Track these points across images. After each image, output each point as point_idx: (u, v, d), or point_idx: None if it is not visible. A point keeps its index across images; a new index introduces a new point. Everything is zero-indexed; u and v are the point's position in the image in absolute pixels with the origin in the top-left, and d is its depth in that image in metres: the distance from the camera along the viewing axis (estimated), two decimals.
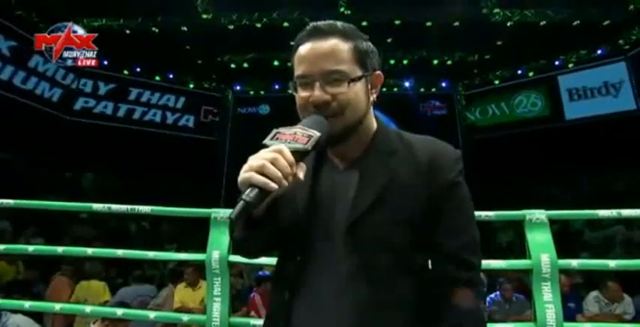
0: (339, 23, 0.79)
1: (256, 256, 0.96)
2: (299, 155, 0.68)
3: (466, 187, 0.78)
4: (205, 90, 10.48)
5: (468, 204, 0.78)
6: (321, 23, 0.79)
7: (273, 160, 0.64)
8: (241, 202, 0.63)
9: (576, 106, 8.06)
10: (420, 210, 0.73)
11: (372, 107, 0.84)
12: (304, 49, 0.78)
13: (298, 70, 0.78)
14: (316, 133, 0.69)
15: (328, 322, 0.73)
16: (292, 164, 0.66)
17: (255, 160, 0.65)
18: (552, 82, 8.48)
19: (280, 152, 0.65)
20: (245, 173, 0.65)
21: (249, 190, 0.64)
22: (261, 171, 0.63)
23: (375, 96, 0.83)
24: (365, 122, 0.81)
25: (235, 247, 0.98)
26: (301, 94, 0.78)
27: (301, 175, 0.68)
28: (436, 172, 0.76)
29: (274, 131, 0.71)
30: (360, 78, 0.78)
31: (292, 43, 0.82)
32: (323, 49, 0.76)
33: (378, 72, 0.83)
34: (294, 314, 0.76)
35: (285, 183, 0.64)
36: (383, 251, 0.72)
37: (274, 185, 0.63)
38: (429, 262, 0.73)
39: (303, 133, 0.69)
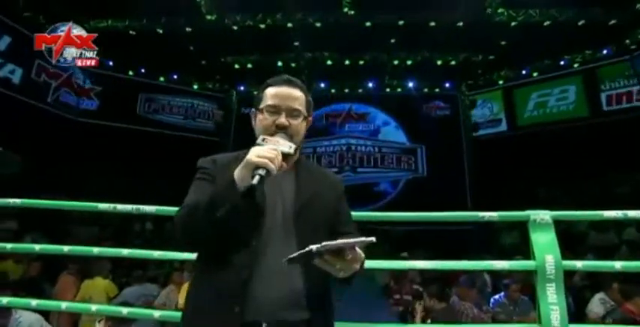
0: (299, 81, 1.19)
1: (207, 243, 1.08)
2: (283, 155, 1.01)
3: None
4: (209, 90, 10.54)
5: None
6: (290, 77, 1.18)
7: (277, 155, 0.98)
8: (258, 176, 0.94)
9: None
10: (333, 206, 1.15)
11: None
12: (279, 89, 1.14)
13: (270, 102, 1.12)
14: (294, 145, 1.05)
15: (284, 288, 1.00)
16: (281, 160, 1.00)
17: (266, 152, 0.97)
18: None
19: (278, 152, 0.99)
20: (261, 159, 0.95)
21: (261, 170, 0.95)
22: (272, 161, 0.96)
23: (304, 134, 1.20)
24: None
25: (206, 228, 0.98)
26: (268, 117, 1.11)
27: (285, 166, 1.03)
28: (338, 186, 1.22)
29: (262, 137, 1.05)
30: (305, 118, 1.16)
31: (267, 82, 1.18)
32: (292, 93, 1.14)
33: (310, 118, 1.21)
34: (251, 290, 0.98)
35: (275, 172, 0.97)
36: (319, 230, 1.07)
37: (275, 172, 0.97)
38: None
39: (284, 143, 1.04)
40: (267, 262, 1.00)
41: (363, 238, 0.89)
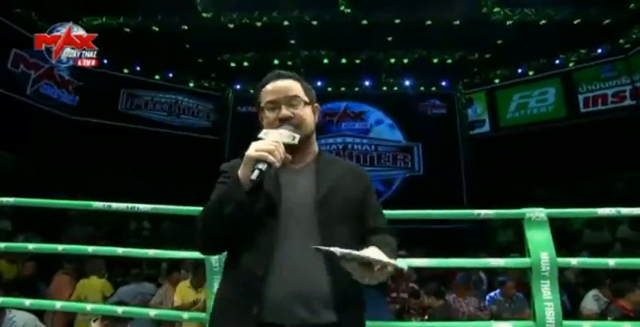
0: (291, 72, 1.18)
1: (221, 246, 1.09)
2: (286, 147, 0.99)
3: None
4: (205, 89, 10.48)
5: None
6: (280, 71, 1.17)
7: (277, 147, 0.96)
8: (257, 171, 0.92)
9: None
10: (356, 196, 1.11)
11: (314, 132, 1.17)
12: (272, 85, 1.13)
13: (267, 98, 1.11)
14: (297, 135, 1.02)
15: (305, 287, 0.96)
16: (283, 152, 0.98)
17: (265, 145, 0.96)
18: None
19: (278, 143, 0.97)
20: (260, 152, 0.94)
21: (260, 164, 0.93)
22: (272, 153, 0.94)
23: (316, 121, 1.17)
24: (312, 138, 1.16)
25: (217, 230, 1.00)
26: (270, 114, 1.10)
27: (289, 157, 1.02)
28: (363, 178, 1.18)
29: (264, 131, 1.03)
30: (308, 103, 1.14)
31: (261, 83, 1.16)
32: (285, 84, 1.13)
33: (316, 104, 1.19)
34: (268, 289, 0.95)
35: (278, 164, 0.95)
36: (343, 223, 1.04)
37: (277, 164, 0.95)
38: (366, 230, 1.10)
39: (288, 134, 1.01)
40: (285, 260, 0.97)
41: (394, 262, 0.85)
